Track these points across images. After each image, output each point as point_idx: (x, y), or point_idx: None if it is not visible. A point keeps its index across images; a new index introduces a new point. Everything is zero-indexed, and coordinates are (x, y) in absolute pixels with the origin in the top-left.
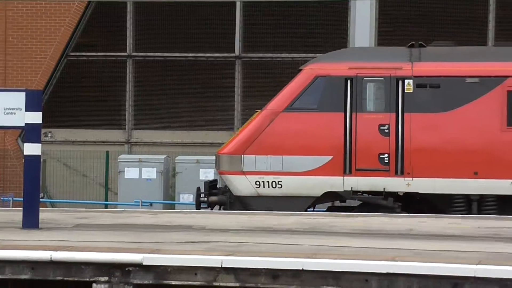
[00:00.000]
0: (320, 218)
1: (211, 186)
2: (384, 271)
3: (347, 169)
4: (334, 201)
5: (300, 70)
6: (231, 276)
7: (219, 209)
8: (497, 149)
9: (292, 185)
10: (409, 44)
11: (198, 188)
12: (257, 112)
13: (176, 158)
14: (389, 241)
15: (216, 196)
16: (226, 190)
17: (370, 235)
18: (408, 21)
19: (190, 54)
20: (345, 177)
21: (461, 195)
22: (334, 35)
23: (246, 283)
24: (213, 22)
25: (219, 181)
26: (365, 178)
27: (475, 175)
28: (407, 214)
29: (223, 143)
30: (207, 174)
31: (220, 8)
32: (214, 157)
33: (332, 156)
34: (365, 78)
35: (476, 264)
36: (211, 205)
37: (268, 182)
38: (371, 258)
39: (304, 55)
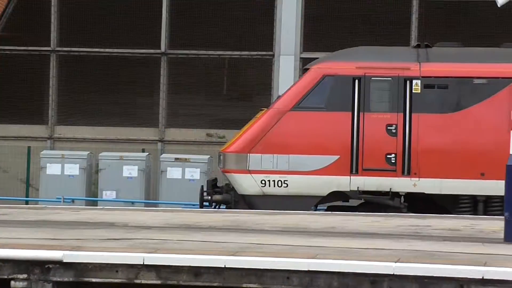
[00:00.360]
0: (246, 216)
1: (213, 184)
2: (305, 269)
3: (354, 169)
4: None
5: (307, 69)
6: (153, 274)
7: (223, 208)
8: (504, 150)
9: (298, 185)
10: (416, 44)
11: (202, 187)
12: (263, 111)
13: (100, 154)
14: (313, 238)
15: (220, 194)
16: (230, 188)
17: (296, 233)
18: (334, 20)
19: (115, 50)
20: (351, 177)
21: (468, 196)
22: (261, 33)
23: (168, 281)
24: (139, 18)
25: (222, 179)
26: (372, 178)
27: (482, 176)
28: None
29: (148, 140)
30: (131, 171)
31: (146, 3)
32: (137, 154)
33: (339, 156)
34: (373, 78)
35: (395, 262)
36: (215, 204)
37: (274, 181)
38: (293, 256)
39: (230, 52)
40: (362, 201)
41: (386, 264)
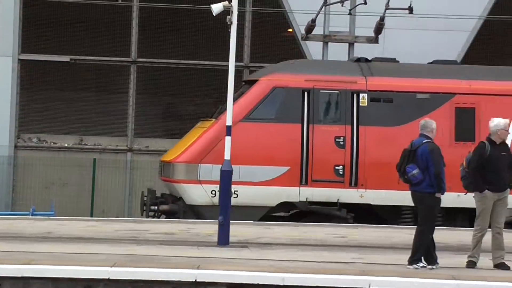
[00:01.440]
0: None
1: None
2: (19, 275)
3: (303, 180)
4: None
5: (255, 80)
6: None
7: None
8: (447, 163)
9: (248, 195)
10: (356, 58)
11: (142, 193)
12: (208, 121)
13: None
14: (28, 244)
15: (166, 204)
16: (176, 198)
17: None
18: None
19: (82, 57)
20: (301, 188)
21: (410, 207)
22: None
23: None
24: (110, 26)
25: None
26: (321, 189)
27: None
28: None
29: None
30: None
31: (116, 11)
32: None
33: (289, 167)
34: (321, 91)
35: (111, 267)
36: (161, 214)
37: None
38: (7, 262)
39: (195, 62)
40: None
41: (101, 269)
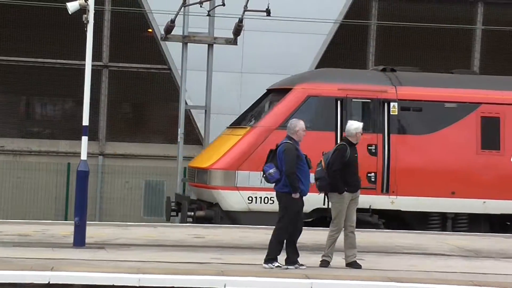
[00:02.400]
0: None
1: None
2: None
3: None
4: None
5: (287, 89)
6: None
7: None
8: (472, 171)
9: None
10: (382, 68)
11: (169, 199)
12: (245, 128)
13: None
14: None
15: (202, 211)
16: (211, 204)
17: None
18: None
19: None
20: None
21: (437, 213)
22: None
23: None
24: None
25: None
26: None
27: (452, 194)
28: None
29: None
30: None
31: None
32: None
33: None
34: (354, 100)
35: None
36: (197, 220)
37: (260, 197)
38: None
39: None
40: None
41: None
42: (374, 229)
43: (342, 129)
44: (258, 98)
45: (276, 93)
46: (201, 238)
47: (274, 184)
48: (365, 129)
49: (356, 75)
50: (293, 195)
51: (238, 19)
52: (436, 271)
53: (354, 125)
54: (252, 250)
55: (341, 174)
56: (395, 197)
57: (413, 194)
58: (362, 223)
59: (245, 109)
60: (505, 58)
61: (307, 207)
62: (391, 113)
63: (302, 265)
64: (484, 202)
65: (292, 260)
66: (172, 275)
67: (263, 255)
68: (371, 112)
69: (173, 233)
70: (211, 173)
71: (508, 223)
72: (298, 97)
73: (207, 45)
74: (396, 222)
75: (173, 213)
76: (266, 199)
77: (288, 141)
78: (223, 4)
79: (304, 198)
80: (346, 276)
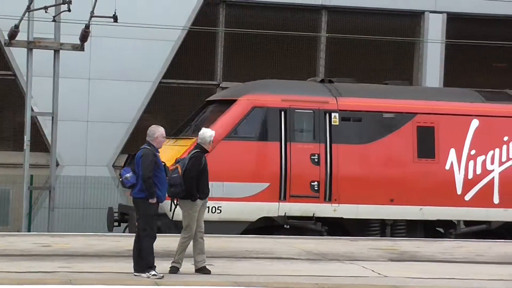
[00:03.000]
0: None
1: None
2: None
3: (282, 196)
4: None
5: (231, 100)
6: None
7: None
8: (410, 179)
9: (231, 210)
10: (320, 79)
11: (111, 209)
12: (191, 139)
13: None
14: None
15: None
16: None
17: None
18: None
19: None
20: (280, 203)
21: (377, 220)
22: None
23: None
24: None
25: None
26: (298, 204)
27: (391, 202)
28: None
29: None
30: None
31: None
32: None
33: (269, 183)
34: (297, 110)
35: None
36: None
37: (209, 207)
38: None
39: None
40: None
41: None
42: (220, 235)
43: (286, 139)
44: (198, 109)
45: (219, 104)
46: (49, 247)
47: (129, 189)
48: (308, 139)
49: (298, 86)
50: (150, 201)
51: (84, 25)
52: (285, 275)
53: (209, 133)
54: (100, 258)
55: (197, 181)
56: (337, 205)
57: (354, 202)
58: (306, 231)
59: (185, 120)
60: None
61: (253, 215)
62: (332, 123)
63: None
64: (421, 208)
65: (143, 267)
66: (17, 285)
67: (111, 263)
68: (313, 122)
69: (20, 242)
70: None
71: (438, 229)
72: (243, 108)
73: (53, 51)
74: (338, 229)
75: (115, 224)
76: (213, 208)
77: (147, 146)
78: (69, 10)
79: (247, 206)
80: (195, 282)
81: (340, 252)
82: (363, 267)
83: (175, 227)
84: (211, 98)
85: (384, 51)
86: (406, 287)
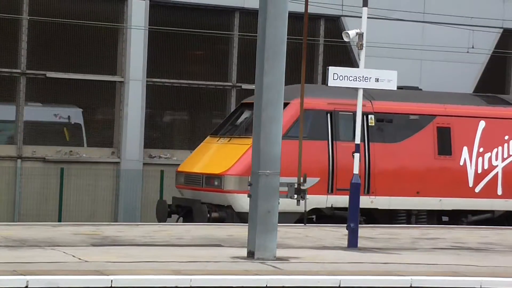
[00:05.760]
0: None
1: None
2: None
3: (330, 189)
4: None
5: (286, 103)
6: None
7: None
8: (432, 174)
9: (288, 202)
10: None
11: (164, 202)
12: (250, 139)
13: None
14: None
15: (216, 213)
16: (220, 206)
17: None
18: None
19: None
20: (328, 196)
21: (404, 210)
22: None
23: None
24: None
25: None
26: (343, 196)
27: (417, 194)
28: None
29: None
30: None
31: None
32: None
33: (319, 178)
34: (340, 112)
35: None
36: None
37: None
38: None
39: None
40: None
41: None
42: None
43: (333, 138)
44: (234, 110)
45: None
46: None
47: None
48: (350, 138)
49: (339, 91)
50: None
51: None
52: None
53: None
54: None
55: None
56: (374, 197)
57: (387, 194)
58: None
59: (223, 121)
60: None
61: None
62: (369, 124)
63: None
64: (440, 200)
65: None
66: None
67: None
68: (354, 123)
69: None
70: (226, 179)
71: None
72: (296, 110)
73: None
74: (375, 219)
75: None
76: None
77: None
78: None
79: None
80: None
81: (40, 238)
82: (64, 252)
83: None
84: (251, 100)
85: (89, 37)
86: (106, 271)
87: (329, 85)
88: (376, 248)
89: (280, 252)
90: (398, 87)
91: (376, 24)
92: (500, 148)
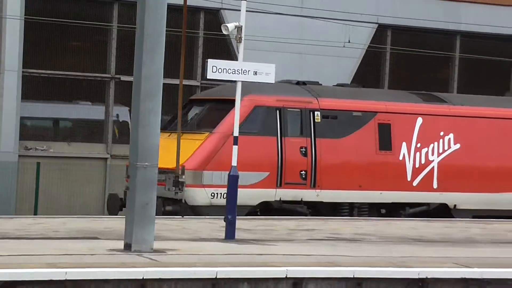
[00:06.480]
0: None
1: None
2: None
3: (278, 183)
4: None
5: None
6: None
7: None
8: (373, 168)
9: (238, 196)
10: (296, 82)
11: (115, 196)
12: (203, 134)
13: None
14: None
15: (170, 206)
16: (174, 200)
17: None
18: None
19: None
20: (277, 190)
21: (347, 203)
22: None
23: None
24: None
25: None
26: (290, 190)
27: (360, 187)
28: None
29: None
30: None
31: None
32: None
33: (269, 173)
34: (288, 109)
35: None
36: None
37: (221, 193)
38: None
39: None
40: None
41: None
42: None
43: (281, 134)
44: (183, 106)
45: (218, 103)
46: None
47: None
48: (298, 134)
49: (287, 88)
50: None
51: None
52: None
53: None
54: None
55: None
56: (319, 190)
57: (331, 188)
58: (295, 213)
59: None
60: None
61: (255, 200)
62: (315, 121)
63: None
64: (381, 193)
65: None
66: None
67: None
68: (301, 119)
69: None
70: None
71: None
72: (247, 107)
73: None
74: (320, 211)
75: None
76: (225, 194)
77: None
78: None
79: (251, 192)
80: None
81: None
82: None
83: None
84: (199, 97)
85: None
86: None
87: (208, 77)
88: (253, 239)
89: (157, 244)
90: (338, 85)
91: (256, 17)
92: (436, 143)
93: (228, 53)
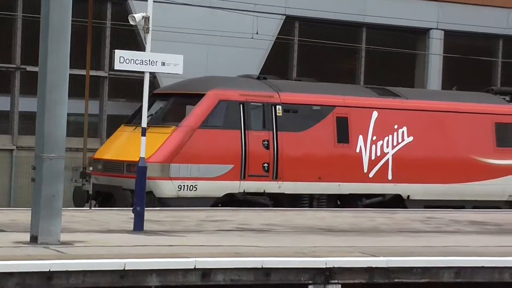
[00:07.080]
0: None
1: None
2: None
3: (242, 175)
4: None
5: (200, 94)
6: None
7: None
8: (332, 160)
9: (204, 188)
10: (257, 77)
11: (80, 188)
12: (170, 127)
13: None
14: None
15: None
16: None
17: None
18: None
19: None
20: (241, 182)
21: (307, 195)
22: None
23: None
24: None
25: None
26: (254, 182)
27: (319, 179)
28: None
29: None
30: None
31: None
32: None
33: (233, 165)
34: (251, 103)
35: None
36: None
37: (187, 186)
38: None
39: None
40: None
41: None
42: None
43: (245, 128)
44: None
45: (184, 97)
46: None
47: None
48: (260, 127)
49: (249, 83)
50: None
51: None
52: None
53: None
54: None
55: None
56: (281, 182)
57: (292, 180)
58: (258, 204)
59: (136, 110)
60: None
61: (219, 192)
62: (277, 114)
63: None
64: (339, 184)
65: None
66: None
67: None
68: (263, 113)
69: None
70: (148, 166)
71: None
72: (211, 101)
73: None
74: (282, 202)
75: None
76: (191, 186)
77: None
78: None
79: (216, 184)
80: None
81: None
82: None
83: None
84: (164, 91)
85: None
86: None
87: (115, 68)
88: (162, 231)
89: (65, 237)
90: (295, 79)
91: (164, 8)
92: (390, 136)
93: (136, 44)
